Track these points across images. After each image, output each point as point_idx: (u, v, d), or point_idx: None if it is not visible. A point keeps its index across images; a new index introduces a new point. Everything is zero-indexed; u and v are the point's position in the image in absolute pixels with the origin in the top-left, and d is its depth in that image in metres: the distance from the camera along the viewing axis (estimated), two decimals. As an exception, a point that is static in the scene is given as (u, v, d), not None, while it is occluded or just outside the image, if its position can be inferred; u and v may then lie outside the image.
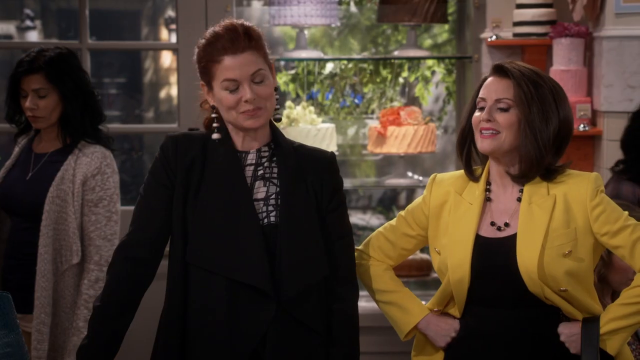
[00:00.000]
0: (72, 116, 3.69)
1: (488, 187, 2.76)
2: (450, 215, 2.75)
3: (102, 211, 3.63)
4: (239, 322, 2.64)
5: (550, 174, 2.70)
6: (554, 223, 2.65)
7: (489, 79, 2.73)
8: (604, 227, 2.66)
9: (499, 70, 2.71)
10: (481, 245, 2.69)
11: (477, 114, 2.71)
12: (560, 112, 2.68)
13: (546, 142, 2.66)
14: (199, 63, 2.71)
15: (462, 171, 2.81)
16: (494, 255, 2.68)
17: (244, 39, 2.65)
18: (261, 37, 2.70)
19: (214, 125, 2.75)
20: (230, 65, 2.64)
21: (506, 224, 2.71)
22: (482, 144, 2.70)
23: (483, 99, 2.71)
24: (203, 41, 2.69)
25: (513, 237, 2.68)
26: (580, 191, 2.67)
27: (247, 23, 2.70)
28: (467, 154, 2.77)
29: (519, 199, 2.71)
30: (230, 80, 2.65)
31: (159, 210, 2.71)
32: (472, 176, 2.78)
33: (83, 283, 3.60)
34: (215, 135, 2.74)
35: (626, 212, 2.70)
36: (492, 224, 2.72)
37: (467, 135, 2.76)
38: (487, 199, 2.75)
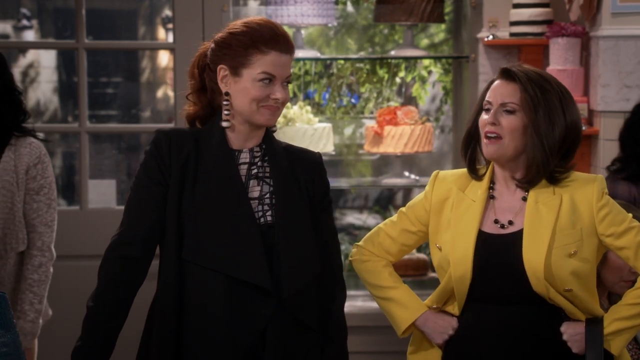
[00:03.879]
0: None
1: (492, 185, 2.77)
2: (452, 212, 2.75)
3: (43, 199, 3.70)
4: (238, 319, 2.64)
5: (555, 177, 2.71)
6: (560, 222, 2.66)
7: (496, 82, 2.74)
8: (609, 229, 2.67)
9: (506, 74, 2.72)
10: (484, 241, 2.70)
11: (484, 116, 2.73)
12: (567, 116, 2.69)
13: (552, 147, 2.67)
14: (236, 46, 2.66)
15: (465, 170, 2.81)
16: (497, 252, 2.69)
17: (290, 43, 2.69)
18: None
19: (225, 113, 2.71)
20: (276, 61, 2.65)
21: (510, 222, 2.71)
22: (487, 149, 2.71)
23: (489, 102, 2.72)
24: (244, 28, 2.67)
25: (517, 234, 2.68)
26: (586, 193, 2.69)
27: None
28: (471, 154, 2.78)
29: (524, 198, 2.72)
30: (270, 75, 2.66)
31: (152, 208, 2.68)
32: (476, 175, 2.78)
33: (27, 268, 3.66)
34: (225, 124, 2.71)
35: (630, 215, 2.72)
36: (496, 221, 2.72)
37: (472, 136, 2.78)
38: (491, 197, 2.75)
